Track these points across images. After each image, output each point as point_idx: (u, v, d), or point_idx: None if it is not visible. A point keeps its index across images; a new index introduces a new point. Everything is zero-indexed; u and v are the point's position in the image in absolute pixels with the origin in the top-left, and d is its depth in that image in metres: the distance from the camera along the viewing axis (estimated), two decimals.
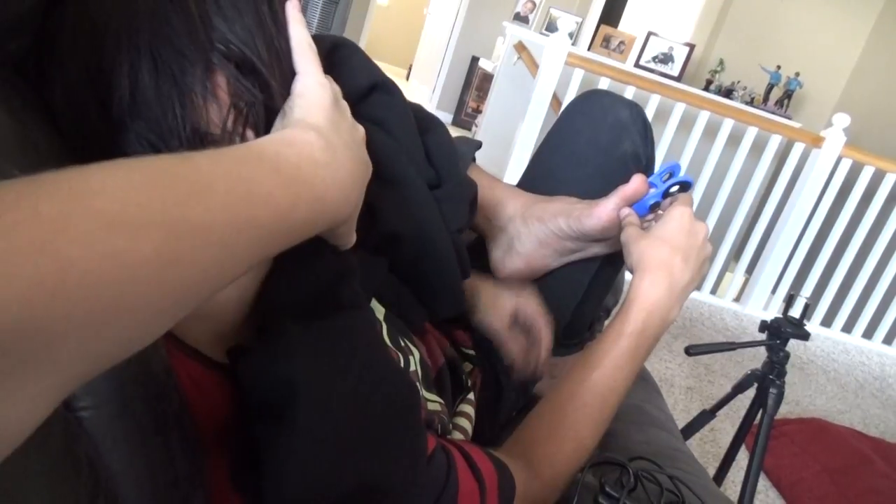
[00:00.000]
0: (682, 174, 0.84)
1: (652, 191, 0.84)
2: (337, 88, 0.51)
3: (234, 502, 0.50)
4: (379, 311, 0.66)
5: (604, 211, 0.82)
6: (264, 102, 0.47)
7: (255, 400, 0.45)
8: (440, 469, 0.55)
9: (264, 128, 0.48)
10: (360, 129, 0.52)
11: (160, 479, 0.43)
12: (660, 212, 0.85)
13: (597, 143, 0.93)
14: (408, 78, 8.73)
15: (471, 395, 0.81)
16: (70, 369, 0.27)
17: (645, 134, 0.95)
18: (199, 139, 0.44)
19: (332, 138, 0.45)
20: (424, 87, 7.52)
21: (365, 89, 0.67)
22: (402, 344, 0.66)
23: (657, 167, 0.91)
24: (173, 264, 0.29)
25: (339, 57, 0.67)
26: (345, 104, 0.51)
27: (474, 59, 6.56)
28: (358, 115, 0.59)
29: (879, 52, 4.59)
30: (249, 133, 0.46)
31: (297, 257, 0.52)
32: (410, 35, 8.94)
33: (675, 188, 0.84)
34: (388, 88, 0.70)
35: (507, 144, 3.37)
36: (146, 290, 0.28)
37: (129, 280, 0.27)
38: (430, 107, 6.85)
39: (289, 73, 0.49)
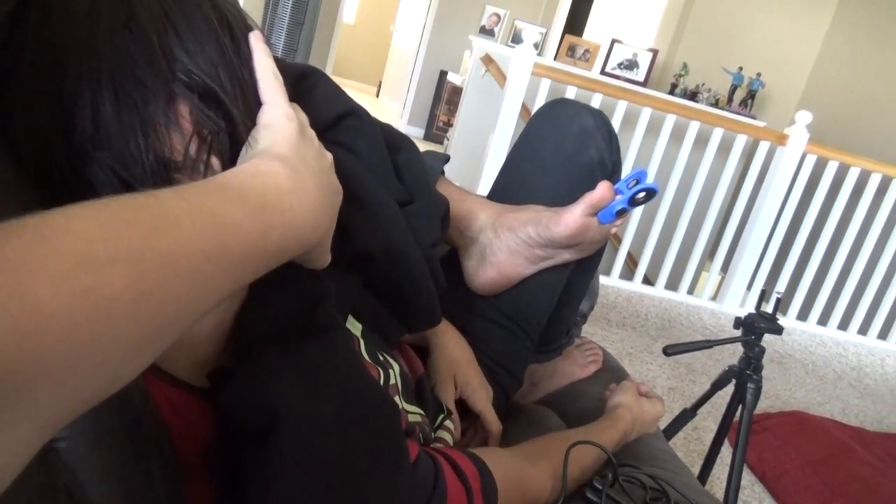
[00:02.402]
0: (648, 181, 0.86)
1: (618, 197, 0.86)
2: (304, 117, 0.52)
3: None
4: (356, 327, 0.66)
5: (571, 218, 0.84)
6: (228, 131, 0.48)
7: (238, 425, 0.46)
8: (427, 474, 0.56)
9: (229, 156, 0.48)
10: (328, 156, 0.53)
11: None
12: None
13: (563, 152, 0.95)
14: (377, 95, 8.76)
15: (449, 423, 0.81)
16: (50, 410, 0.27)
17: (610, 141, 0.97)
18: (164, 167, 0.45)
19: (298, 166, 0.46)
20: (395, 103, 7.55)
21: (333, 118, 0.68)
22: (381, 358, 0.66)
23: (624, 173, 0.93)
24: (145, 298, 0.30)
25: (306, 86, 0.68)
26: (312, 133, 0.52)
27: (443, 74, 6.61)
28: (327, 140, 0.60)
29: (837, 48, 4.70)
30: (214, 160, 0.47)
31: (272, 282, 0.53)
32: (378, 52, 8.97)
33: (642, 194, 0.86)
34: (356, 114, 0.71)
35: (478, 156, 3.39)
36: (120, 325, 0.29)
37: (102, 317, 0.27)
38: (401, 122, 6.87)
39: (252, 103, 0.49)
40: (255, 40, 0.50)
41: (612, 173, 0.96)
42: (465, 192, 0.94)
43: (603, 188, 0.83)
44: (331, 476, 0.45)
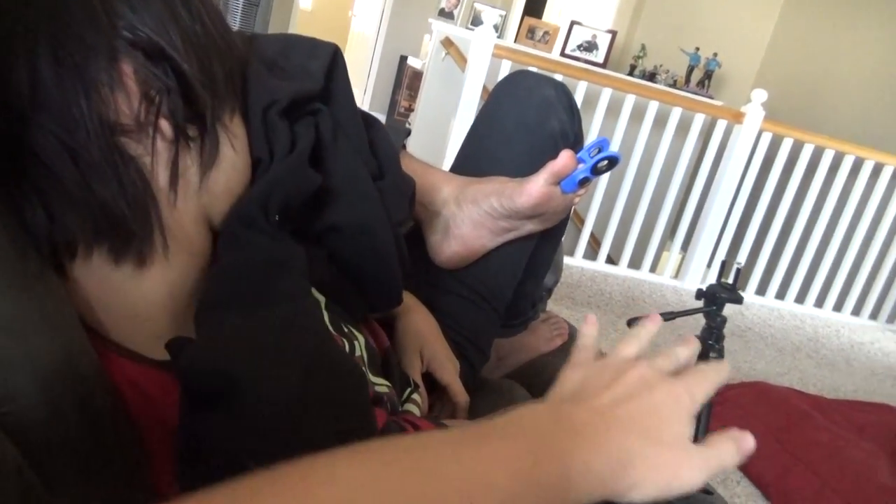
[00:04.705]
0: (610, 149, 0.86)
1: (581, 166, 0.86)
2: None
3: None
4: (320, 300, 0.65)
5: (534, 187, 0.83)
6: (181, 92, 0.46)
7: (194, 392, 0.44)
8: None
9: (184, 118, 0.46)
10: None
11: (95, 482, 0.42)
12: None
13: (525, 123, 0.94)
14: None
15: (416, 396, 0.80)
16: None
17: (572, 111, 0.97)
18: (109, 130, 0.43)
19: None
20: (355, 89, 7.43)
21: (318, 90, 0.65)
22: (346, 330, 0.65)
23: (586, 144, 0.93)
24: None
25: (294, 55, 0.65)
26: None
27: (403, 59, 6.55)
28: (311, 108, 0.58)
29: (791, 27, 4.79)
30: (164, 123, 0.45)
31: (233, 247, 0.51)
32: (337, 38, 8.76)
33: (605, 163, 0.86)
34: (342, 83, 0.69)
35: (441, 141, 3.38)
36: None
37: None
38: (363, 109, 6.78)
39: (208, 62, 0.47)
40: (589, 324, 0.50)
41: (575, 144, 0.96)
42: (428, 166, 0.93)
43: (565, 157, 0.82)
44: (294, 444, 0.43)
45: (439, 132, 3.65)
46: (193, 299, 0.50)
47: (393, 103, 6.81)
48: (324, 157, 0.62)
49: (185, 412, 0.44)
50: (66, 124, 0.41)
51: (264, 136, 0.54)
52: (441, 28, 4.08)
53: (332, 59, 0.67)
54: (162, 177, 0.46)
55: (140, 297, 0.47)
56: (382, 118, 6.76)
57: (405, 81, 6.61)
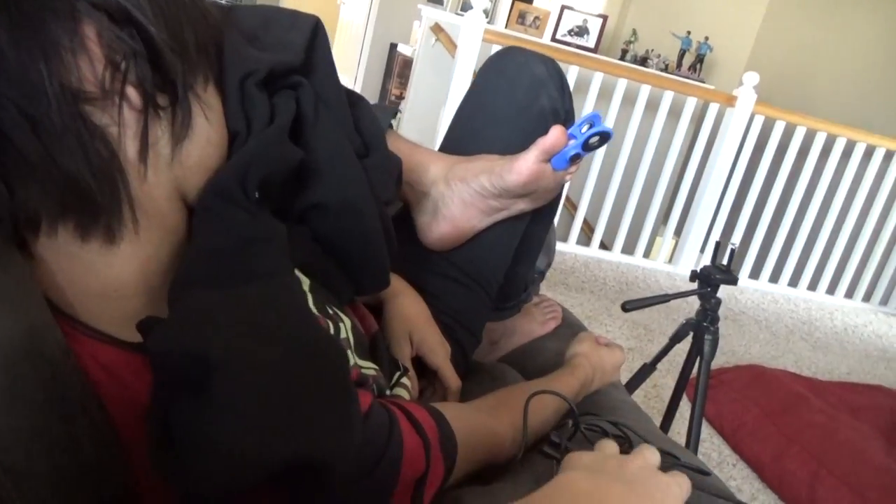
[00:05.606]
0: (602, 124, 0.84)
1: (571, 142, 0.83)
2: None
3: (160, 490, 0.46)
4: (304, 281, 0.63)
5: (524, 165, 0.81)
6: (149, 58, 0.43)
7: (168, 374, 0.42)
8: (380, 427, 0.53)
9: (153, 86, 0.44)
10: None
11: (65, 469, 0.40)
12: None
13: (515, 101, 0.92)
14: None
15: (406, 380, 0.78)
16: None
17: (562, 88, 0.94)
18: (72, 97, 0.40)
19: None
20: (346, 77, 7.40)
21: (299, 62, 0.63)
22: (331, 312, 0.63)
23: (578, 120, 0.90)
24: None
25: (274, 27, 0.63)
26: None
27: (393, 46, 6.50)
28: (295, 82, 0.56)
29: (783, 10, 4.77)
30: (131, 91, 0.42)
31: (208, 225, 0.49)
32: (327, 26, 8.77)
33: (596, 139, 0.83)
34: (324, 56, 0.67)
35: (432, 128, 3.35)
36: None
37: None
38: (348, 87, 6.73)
39: (178, 24, 0.45)
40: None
41: (566, 121, 0.93)
42: (415, 145, 0.91)
43: (556, 133, 0.80)
44: (272, 428, 0.41)
45: (430, 119, 3.62)
46: (168, 277, 0.47)
47: (384, 91, 6.76)
48: (305, 133, 0.59)
49: (157, 395, 0.42)
50: (25, 90, 0.39)
51: (241, 108, 0.52)
52: (430, 14, 4.04)
53: (313, 32, 0.64)
54: (131, 148, 0.44)
55: (110, 275, 0.45)
56: None
57: (395, 69, 6.56)
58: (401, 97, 6.35)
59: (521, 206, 0.87)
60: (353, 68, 6.98)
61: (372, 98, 6.79)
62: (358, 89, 6.81)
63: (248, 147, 0.51)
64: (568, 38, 4.14)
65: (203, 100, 0.49)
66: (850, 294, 3.56)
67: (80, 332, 0.45)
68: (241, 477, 0.39)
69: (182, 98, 0.46)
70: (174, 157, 0.47)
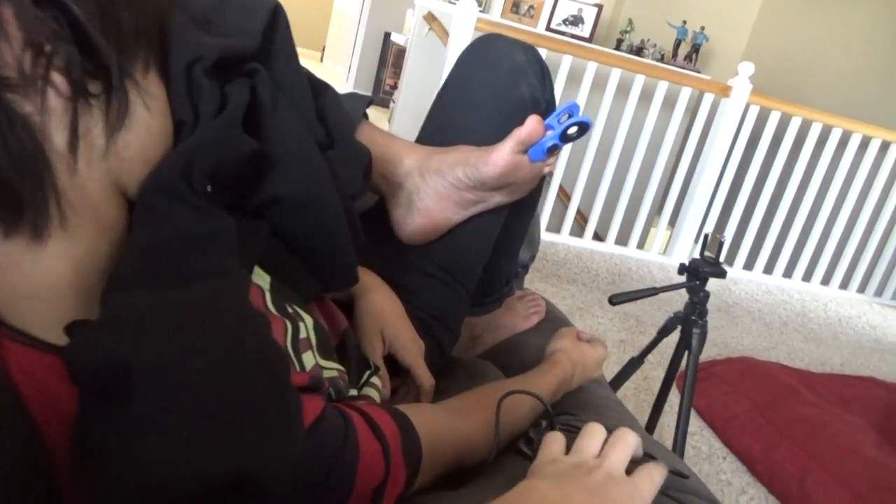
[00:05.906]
0: (580, 114, 0.81)
1: (549, 133, 0.81)
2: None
3: (85, 501, 0.43)
4: (263, 279, 0.60)
5: (500, 156, 0.79)
6: (76, 41, 0.40)
7: (86, 382, 0.39)
8: (334, 432, 0.50)
9: (82, 71, 0.41)
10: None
11: None
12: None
13: (494, 89, 0.89)
14: (322, 60, 8.52)
15: (376, 379, 0.75)
16: None
17: (543, 77, 0.92)
18: None
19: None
20: (339, 67, 7.34)
21: (254, 48, 0.60)
22: (291, 311, 0.60)
23: (556, 110, 0.88)
24: None
25: (229, 12, 0.60)
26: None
27: (387, 35, 6.44)
28: (249, 68, 0.53)
29: (779, 0, 4.72)
30: (56, 76, 0.40)
31: (148, 222, 0.46)
32: (320, 17, 8.69)
33: (574, 129, 0.81)
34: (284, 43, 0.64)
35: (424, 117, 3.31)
36: None
37: None
38: (347, 87, 6.68)
39: (111, 5, 0.42)
40: None
41: (546, 111, 0.91)
42: (391, 136, 0.88)
43: (532, 123, 0.77)
44: (196, 441, 0.38)
45: (423, 109, 3.57)
46: (105, 276, 0.45)
47: (378, 82, 6.71)
48: (262, 123, 0.57)
49: (81, 403, 0.39)
50: None
51: (187, 96, 0.49)
52: (424, 3, 3.99)
53: (271, 17, 0.61)
54: (59, 138, 0.41)
55: (38, 274, 0.42)
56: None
57: (390, 59, 6.51)
58: (395, 87, 6.31)
59: (498, 198, 0.85)
60: (347, 58, 6.93)
61: (366, 88, 6.75)
62: (352, 79, 6.78)
63: (194, 137, 0.48)
64: (563, 28, 4.10)
65: (143, 87, 0.46)
66: (844, 285, 3.55)
67: (3, 336, 0.42)
68: (163, 494, 0.36)
69: (117, 85, 0.43)
70: (109, 149, 0.44)
